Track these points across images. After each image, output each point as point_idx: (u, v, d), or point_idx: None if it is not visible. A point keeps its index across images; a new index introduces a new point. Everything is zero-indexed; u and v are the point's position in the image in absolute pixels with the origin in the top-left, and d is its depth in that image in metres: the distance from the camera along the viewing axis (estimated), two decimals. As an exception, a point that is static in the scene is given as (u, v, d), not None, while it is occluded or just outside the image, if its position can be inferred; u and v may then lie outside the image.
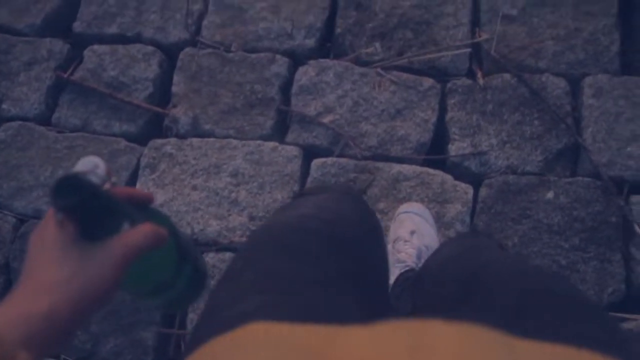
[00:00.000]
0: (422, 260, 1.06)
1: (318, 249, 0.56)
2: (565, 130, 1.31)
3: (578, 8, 1.42)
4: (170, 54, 1.48)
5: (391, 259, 1.10)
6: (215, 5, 1.50)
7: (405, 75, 1.37)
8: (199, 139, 1.36)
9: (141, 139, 1.39)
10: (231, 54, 1.43)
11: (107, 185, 0.42)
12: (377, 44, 1.40)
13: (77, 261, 0.40)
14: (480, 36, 1.41)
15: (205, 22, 1.49)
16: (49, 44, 1.51)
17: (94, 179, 0.41)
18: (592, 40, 1.38)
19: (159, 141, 1.36)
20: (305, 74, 1.38)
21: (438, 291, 0.68)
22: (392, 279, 1.07)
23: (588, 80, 1.34)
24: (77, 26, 1.53)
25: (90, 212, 0.41)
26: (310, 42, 1.44)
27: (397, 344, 0.32)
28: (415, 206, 1.18)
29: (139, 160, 1.36)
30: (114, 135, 1.40)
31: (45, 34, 1.54)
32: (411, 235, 1.11)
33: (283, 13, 1.47)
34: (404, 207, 1.19)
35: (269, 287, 0.48)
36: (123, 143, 1.38)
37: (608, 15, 1.40)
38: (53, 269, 0.40)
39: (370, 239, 0.70)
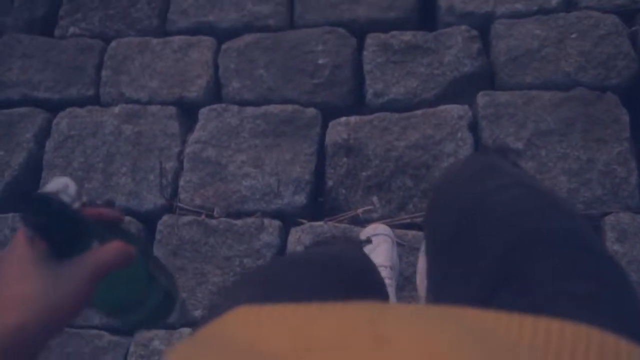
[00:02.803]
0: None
1: (316, 270, 0.61)
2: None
3: (588, 134, 1.33)
4: (147, 222, 1.37)
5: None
6: (191, 161, 1.40)
7: (410, 234, 1.27)
8: (189, 329, 1.25)
9: (125, 330, 1.28)
10: (214, 221, 1.32)
11: (76, 205, 0.44)
12: (375, 198, 1.30)
13: (47, 277, 0.41)
14: (485, 176, 1.31)
15: (182, 183, 1.38)
16: (10, 220, 1.39)
17: (64, 198, 0.43)
18: (607, 173, 1.29)
19: (147, 334, 1.25)
20: (299, 242, 1.28)
21: (438, 221, 0.67)
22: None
23: (609, 220, 1.25)
24: (31, 192, 1.41)
25: (59, 230, 0.42)
26: (300, 199, 1.33)
27: (362, 331, 0.33)
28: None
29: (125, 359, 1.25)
30: (95, 327, 1.29)
31: (7, 207, 1.42)
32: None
33: (267, 166, 1.36)
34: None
35: (256, 282, 0.54)
36: (106, 338, 1.27)
37: (621, 140, 1.31)
38: (24, 285, 0.41)
39: (368, 270, 0.75)
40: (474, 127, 1.39)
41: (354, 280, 0.64)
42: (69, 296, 0.42)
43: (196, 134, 1.44)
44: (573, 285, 0.45)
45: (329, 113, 1.44)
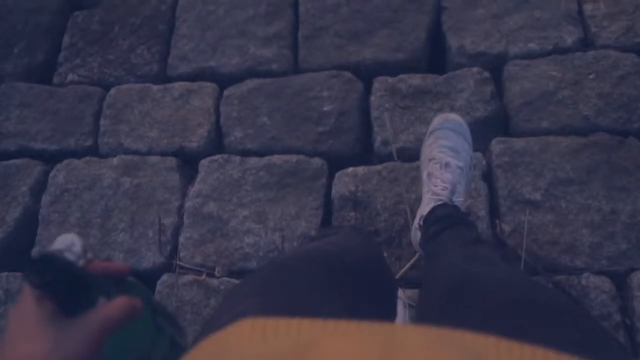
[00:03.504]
0: (456, 195, 1.10)
1: (318, 270, 0.61)
2: (618, 349, 1.13)
3: (610, 182, 1.26)
4: (146, 281, 1.31)
5: (425, 185, 1.14)
6: (191, 216, 1.34)
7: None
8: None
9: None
10: (215, 281, 1.27)
11: (81, 262, 0.44)
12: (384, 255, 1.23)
13: (55, 336, 0.42)
14: (502, 230, 1.24)
15: (181, 239, 1.33)
16: (4, 280, 1.35)
17: (69, 256, 0.43)
18: (633, 225, 1.22)
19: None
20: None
21: (429, 298, 0.72)
22: (425, 210, 1.10)
23: (636, 277, 1.17)
24: (36, 253, 1.37)
25: (65, 288, 0.43)
26: (306, 256, 1.27)
27: (372, 346, 0.34)
28: (452, 120, 1.17)
29: None
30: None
31: (1, 266, 1.37)
32: (446, 165, 1.12)
33: (270, 221, 1.31)
34: (441, 120, 1.17)
35: (260, 292, 0.53)
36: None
37: (646, 189, 1.23)
38: (30, 344, 0.41)
39: (373, 265, 0.75)
40: (488, 177, 1.33)
41: (359, 281, 0.66)
42: (76, 355, 0.42)
43: (196, 187, 1.39)
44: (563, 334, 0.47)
45: (335, 163, 1.39)
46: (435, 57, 1.54)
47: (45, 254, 0.43)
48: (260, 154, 1.42)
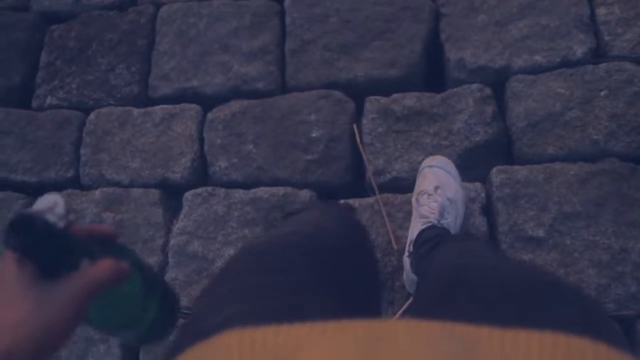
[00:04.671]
0: (445, 215, 1.13)
1: (294, 260, 0.59)
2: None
3: (620, 217, 1.18)
4: (131, 324, 1.28)
5: (414, 213, 1.17)
6: (175, 255, 1.30)
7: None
8: None
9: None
10: (202, 327, 1.22)
11: (62, 223, 0.43)
12: (376, 300, 1.18)
13: (36, 300, 0.41)
14: (501, 270, 1.18)
15: (167, 279, 1.28)
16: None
17: (50, 217, 0.42)
18: (644, 264, 1.14)
19: None
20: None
21: (424, 294, 0.73)
22: (414, 234, 1.13)
23: (645, 322, 1.11)
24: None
25: (46, 250, 0.42)
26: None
27: (357, 348, 0.34)
28: (439, 160, 1.21)
29: None
30: None
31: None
32: (435, 190, 1.16)
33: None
34: (428, 161, 1.22)
35: (243, 298, 0.51)
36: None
37: (660, 224, 1.15)
38: (10, 309, 0.41)
39: (353, 246, 0.74)
40: (487, 210, 1.25)
41: (342, 267, 0.64)
42: (58, 318, 0.41)
43: (180, 223, 1.34)
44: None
45: (325, 194, 1.33)
46: (433, 69, 1.44)
47: (24, 215, 0.41)
48: (246, 185, 1.36)
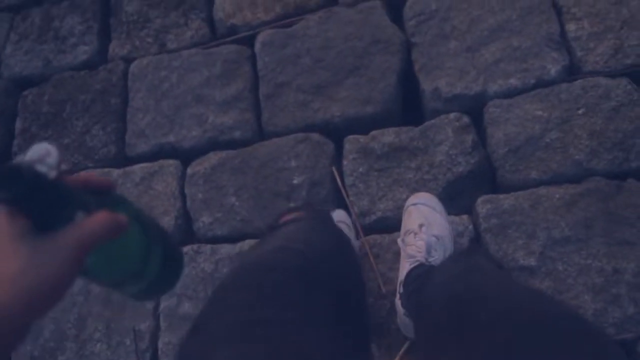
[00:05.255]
0: (433, 253, 1.12)
1: (285, 287, 0.59)
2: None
3: (610, 237, 1.18)
4: (129, 392, 1.28)
5: (402, 254, 1.17)
6: (167, 319, 1.30)
7: (416, 387, 1.14)
8: None
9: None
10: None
11: (54, 173, 0.41)
12: (372, 345, 1.17)
13: (29, 254, 0.40)
14: (496, 303, 1.17)
15: (160, 344, 1.29)
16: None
17: (41, 168, 0.41)
18: (639, 284, 1.13)
19: None
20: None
21: (431, 319, 0.72)
22: (402, 274, 1.13)
23: (646, 345, 1.10)
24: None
25: (38, 202, 0.40)
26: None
27: None
28: (422, 197, 1.22)
29: None
30: None
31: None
32: (420, 228, 1.15)
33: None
34: (412, 199, 1.22)
35: (236, 337, 0.50)
36: None
37: (651, 242, 1.14)
38: (3, 264, 0.39)
39: (340, 264, 0.76)
40: (477, 242, 1.24)
41: (329, 289, 0.64)
42: (52, 273, 0.40)
43: (169, 285, 1.33)
44: None
45: (313, 240, 1.31)
46: (409, 101, 1.43)
47: (13, 165, 0.39)
48: (231, 239, 1.35)
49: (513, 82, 1.35)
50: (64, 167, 0.45)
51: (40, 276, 0.39)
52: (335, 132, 1.40)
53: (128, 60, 1.62)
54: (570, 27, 1.39)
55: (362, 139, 1.36)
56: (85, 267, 0.42)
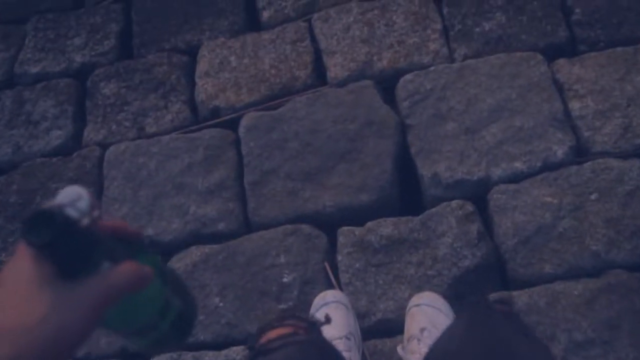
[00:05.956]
0: None
1: None
2: None
3: (638, 338, 1.05)
4: None
5: None
6: None
7: None
8: None
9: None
10: None
11: (86, 220, 0.41)
12: None
13: (52, 300, 0.39)
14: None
15: None
16: None
17: (73, 212, 0.40)
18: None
19: None
20: None
21: None
22: None
23: None
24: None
25: (66, 248, 0.40)
26: None
27: None
28: (425, 297, 1.12)
29: None
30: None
31: None
32: (422, 332, 1.05)
33: None
34: (414, 299, 1.12)
35: None
36: None
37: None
38: (21, 310, 0.38)
39: None
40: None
41: None
42: (73, 323, 0.39)
43: (145, 402, 1.18)
44: None
45: (306, 346, 1.18)
46: (407, 187, 1.34)
47: (45, 209, 0.39)
48: (216, 345, 1.22)
49: (518, 165, 1.26)
50: (95, 212, 0.41)
51: (62, 325, 0.39)
52: (328, 223, 1.30)
53: (104, 146, 1.52)
54: (574, 105, 1.32)
55: (357, 230, 1.26)
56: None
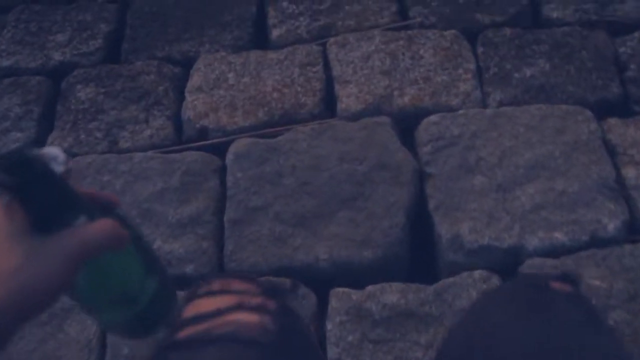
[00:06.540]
0: None
1: None
2: None
3: None
4: None
5: None
6: None
7: None
8: None
9: None
10: None
11: (62, 169, 0.40)
12: None
13: (24, 252, 0.38)
14: None
15: None
16: None
17: (51, 163, 0.39)
18: None
19: None
20: None
21: None
22: None
23: None
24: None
25: (41, 197, 0.39)
26: None
27: None
28: None
29: None
30: None
31: None
32: None
33: None
34: None
35: None
36: None
37: None
38: None
39: None
40: None
41: None
42: (46, 276, 0.38)
43: None
44: None
45: None
46: (419, 250, 1.11)
47: (24, 152, 0.37)
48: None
49: (559, 236, 1.04)
50: (71, 173, 0.34)
51: (36, 275, 0.38)
52: (319, 281, 1.06)
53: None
54: (629, 172, 1.11)
55: (354, 294, 1.02)
56: (73, 282, 0.40)
